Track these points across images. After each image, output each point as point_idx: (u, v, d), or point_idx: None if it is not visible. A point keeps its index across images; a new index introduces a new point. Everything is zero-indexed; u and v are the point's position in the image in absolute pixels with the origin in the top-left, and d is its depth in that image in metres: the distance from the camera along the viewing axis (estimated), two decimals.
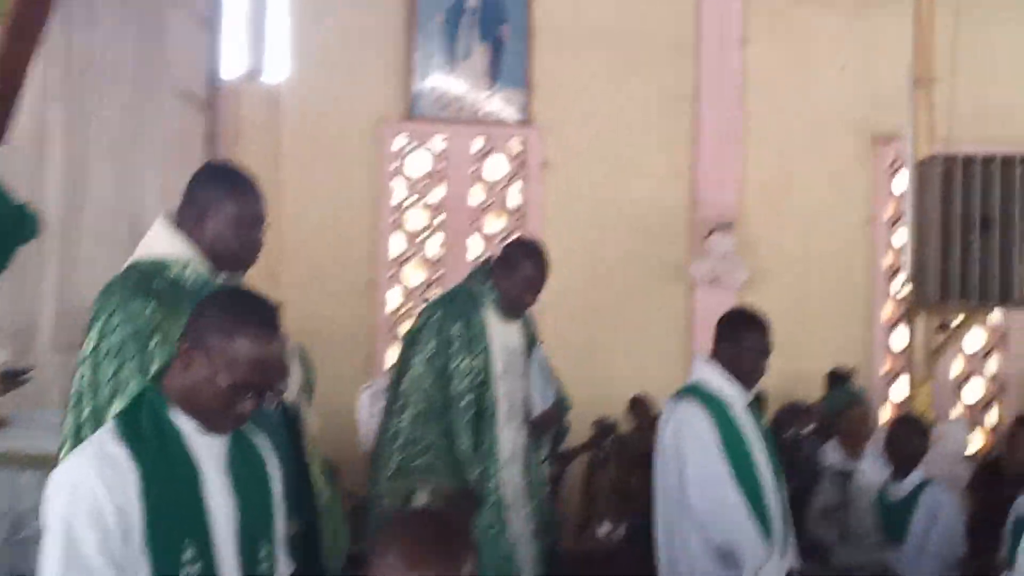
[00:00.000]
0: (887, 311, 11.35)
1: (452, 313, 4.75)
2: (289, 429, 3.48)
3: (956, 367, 11.51)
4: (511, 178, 11.31)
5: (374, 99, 10.99)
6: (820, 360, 10.33)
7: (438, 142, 11.22)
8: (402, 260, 11.20)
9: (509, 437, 4.76)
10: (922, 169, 8.26)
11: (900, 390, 11.11)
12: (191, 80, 8.51)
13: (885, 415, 11.20)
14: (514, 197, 11.30)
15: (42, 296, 6.76)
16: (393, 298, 11.15)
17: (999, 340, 11.53)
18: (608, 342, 10.86)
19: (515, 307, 4.83)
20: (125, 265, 3.37)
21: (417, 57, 11.02)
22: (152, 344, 3.18)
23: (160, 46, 7.85)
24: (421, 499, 4.47)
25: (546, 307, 5.41)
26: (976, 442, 11.17)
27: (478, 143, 11.27)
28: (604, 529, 9.18)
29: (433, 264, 11.23)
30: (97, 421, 3.04)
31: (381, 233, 11.03)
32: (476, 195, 11.30)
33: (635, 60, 11.14)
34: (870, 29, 10.97)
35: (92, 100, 7.15)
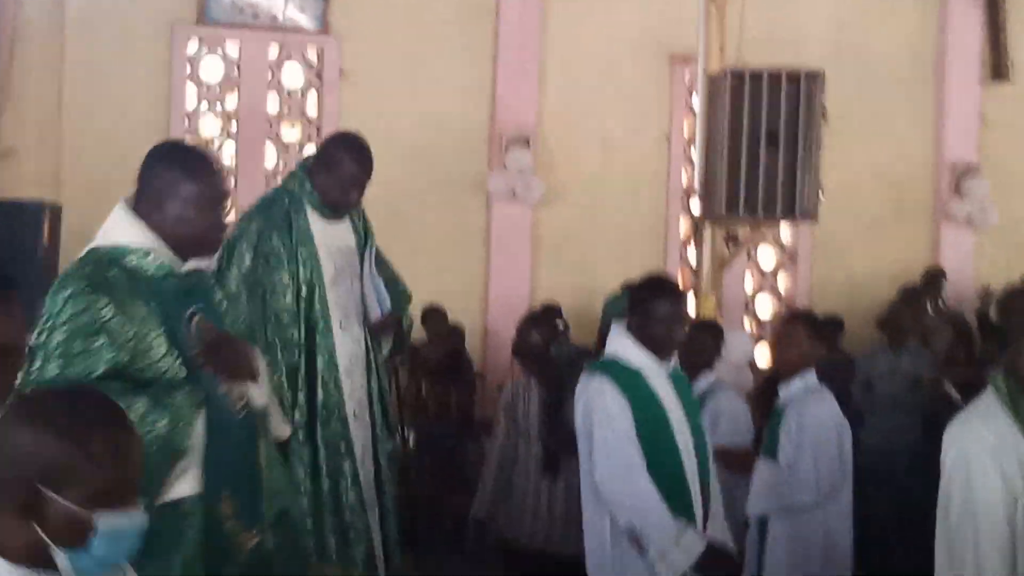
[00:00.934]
0: (683, 228, 11.58)
1: (271, 223, 4.53)
2: (252, 437, 3.34)
3: (749, 285, 11.86)
4: (308, 87, 11.07)
5: (165, 1, 10.60)
6: (616, 277, 10.47)
7: (232, 48, 10.88)
8: None
9: (347, 345, 4.59)
10: (712, 85, 8.38)
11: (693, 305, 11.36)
12: None
13: None
14: (311, 107, 11.07)
15: None
16: None
17: (788, 259, 11.89)
18: (405, 254, 10.51)
19: (338, 207, 4.63)
20: (83, 252, 3.22)
21: None
22: (99, 343, 3.05)
23: None
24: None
25: None
26: (764, 357, 11.56)
27: (274, 51, 10.97)
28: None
29: (227, 173, 10.91)
30: None
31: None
32: (272, 104, 11.02)
33: None
34: None
35: None
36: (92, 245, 3.25)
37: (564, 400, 5.52)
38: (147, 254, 3.20)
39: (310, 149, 10.58)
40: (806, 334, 5.35)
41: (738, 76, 8.12)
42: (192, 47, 10.79)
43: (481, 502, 6.86)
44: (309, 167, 4.66)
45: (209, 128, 10.93)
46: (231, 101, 10.91)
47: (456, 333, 9.77)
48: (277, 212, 4.59)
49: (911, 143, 11.70)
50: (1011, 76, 11.64)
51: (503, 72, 11.16)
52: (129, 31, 10.41)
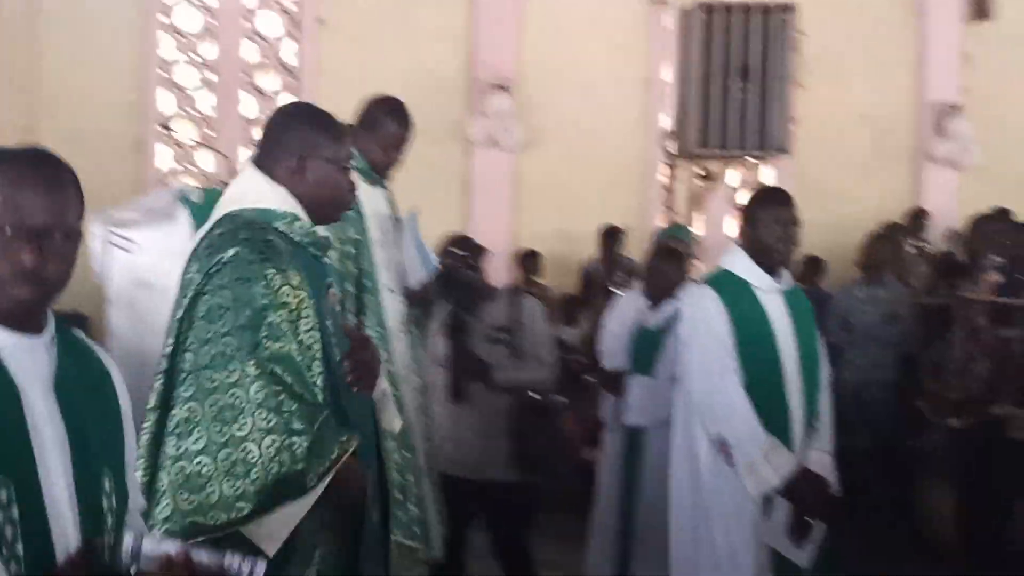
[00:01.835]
0: (664, 170, 11.53)
1: None
2: (376, 422, 3.27)
3: (731, 229, 11.82)
4: (286, 35, 11.03)
5: None
6: (598, 221, 10.47)
7: None
8: (172, 118, 10.85)
9: (393, 306, 4.54)
10: (685, 19, 8.37)
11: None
12: None
13: None
14: (289, 55, 11.04)
15: None
16: (163, 156, 10.82)
17: None
18: None
19: (382, 168, 4.66)
20: (216, 217, 3.04)
21: None
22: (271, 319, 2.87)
23: None
24: None
25: None
26: None
27: None
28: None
29: (205, 121, 10.93)
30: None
31: (148, 90, 10.68)
32: (250, 52, 10.99)
33: None
34: None
35: None
36: (229, 210, 3.06)
37: (466, 325, 5.49)
38: (296, 219, 3.05)
39: (288, 98, 10.56)
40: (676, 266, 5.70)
41: (709, 9, 8.11)
42: None
43: None
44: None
45: (187, 77, 10.90)
46: (209, 49, 10.87)
47: None
48: None
49: (893, 83, 11.64)
50: (993, 15, 11.57)
51: (482, 18, 11.11)
52: None
